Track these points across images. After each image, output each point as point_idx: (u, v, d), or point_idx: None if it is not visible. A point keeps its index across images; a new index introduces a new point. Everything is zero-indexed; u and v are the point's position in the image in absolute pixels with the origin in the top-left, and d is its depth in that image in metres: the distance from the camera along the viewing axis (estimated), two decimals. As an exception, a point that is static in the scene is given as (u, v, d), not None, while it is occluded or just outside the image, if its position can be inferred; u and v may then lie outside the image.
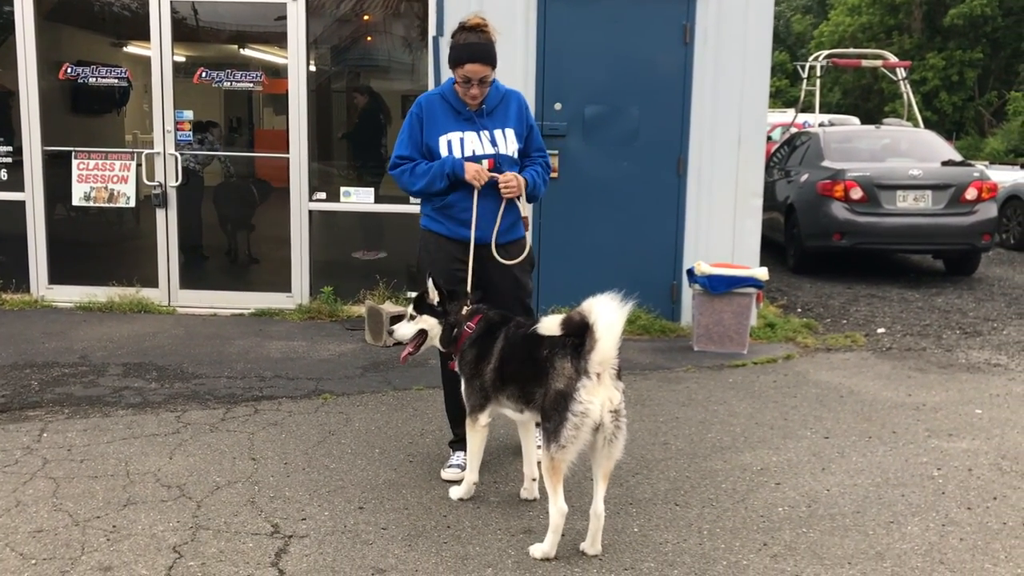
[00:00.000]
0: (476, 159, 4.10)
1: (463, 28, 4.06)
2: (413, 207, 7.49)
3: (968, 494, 4.23)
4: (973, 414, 5.42)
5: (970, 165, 10.56)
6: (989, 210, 9.90)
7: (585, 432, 3.38)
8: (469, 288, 4.05)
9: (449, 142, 4.11)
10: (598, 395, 3.37)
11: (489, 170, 4.09)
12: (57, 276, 7.84)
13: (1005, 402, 5.66)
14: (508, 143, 4.18)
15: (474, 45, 4.01)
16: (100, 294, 7.68)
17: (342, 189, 7.73)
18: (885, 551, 3.65)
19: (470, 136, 4.13)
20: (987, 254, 11.22)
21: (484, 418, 3.89)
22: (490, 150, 4.14)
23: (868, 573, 3.46)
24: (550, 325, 3.48)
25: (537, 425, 3.72)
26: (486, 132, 4.14)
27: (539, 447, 3.88)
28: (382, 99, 8.08)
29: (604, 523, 3.60)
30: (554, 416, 3.41)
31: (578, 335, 3.37)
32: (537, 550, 3.52)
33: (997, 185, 10.51)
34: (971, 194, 9.76)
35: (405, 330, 4.01)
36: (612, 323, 3.30)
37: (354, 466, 4.43)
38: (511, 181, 4.08)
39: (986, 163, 17.05)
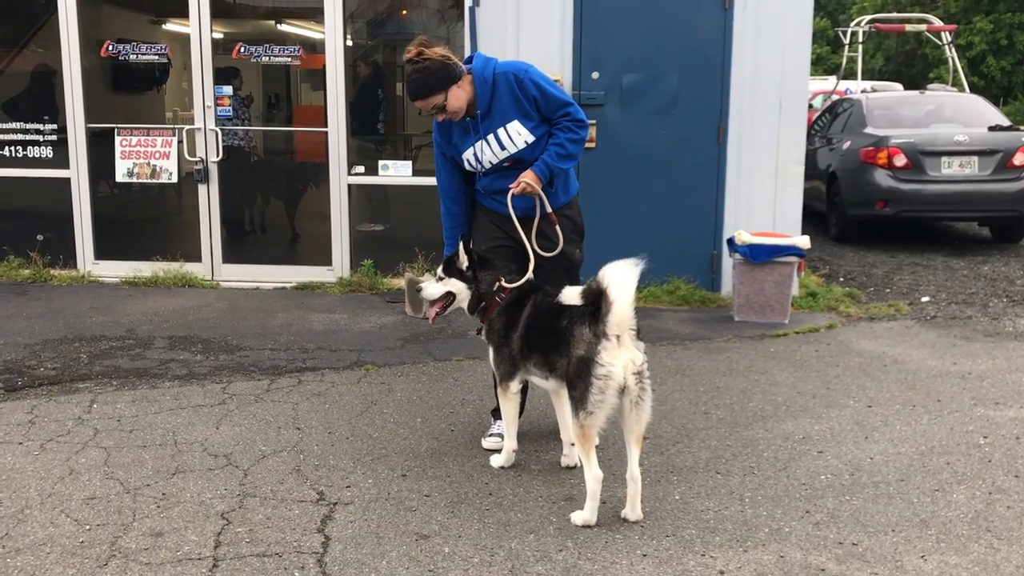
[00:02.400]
0: (496, 167, 4.04)
1: (406, 61, 3.93)
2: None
3: (1016, 462, 4.18)
4: (1021, 382, 5.34)
5: (1018, 130, 10.29)
6: (1038, 176, 9.67)
7: (611, 395, 3.41)
8: (531, 268, 3.95)
9: (468, 160, 4.07)
10: (619, 357, 3.39)
11: (507, 167, 4.02)
12: (103, 252, 7.97)
13: (1054, 370, 5.57)
14: (515, 138, 3.98)
15: (410, 83, 3.89)
16: (145, 269, 7.80)
17: (380, 163, 7.76)
18: (930, 519, 3.62)
19: (480, 146, 4.02)
20: (1035, 221, 10.96)
21: (515, 385, 3.93)
22: (501, 154, 4.01)
23: (913, 540, 3.44)
24: (571, 295, 3.52)
25: None
26: (491, 136, 3.99)
27: None
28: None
29: (645, 491, 3.62)
30: (579, 383, 3.44)
31: (596, 302, 3.40)
32: (578, 517, 3.55)
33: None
34: (1019, 160, 9.54)
35: (432, 289, 4.02)
36: (624, 284, 3.33)
37: (396, 435, 4.48)
38: (525, 188, 3.92)
39: (1035, 128, 16.63)
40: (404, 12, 8.20)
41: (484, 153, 4.03)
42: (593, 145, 7.08)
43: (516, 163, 4.03)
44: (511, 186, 3.95)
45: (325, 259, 7.80)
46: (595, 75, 7.19)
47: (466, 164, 4.11)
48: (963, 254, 9.61)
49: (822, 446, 4.37)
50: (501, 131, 3.99)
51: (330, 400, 4.97)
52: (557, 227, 4.03)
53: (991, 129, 9.92)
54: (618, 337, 3.39)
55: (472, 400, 4.99)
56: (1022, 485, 3.93)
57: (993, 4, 33.06)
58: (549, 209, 4.02)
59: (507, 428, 4.05)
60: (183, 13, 7.61)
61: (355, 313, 6.84)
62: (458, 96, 3.91)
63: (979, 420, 4.72)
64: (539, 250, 4.00)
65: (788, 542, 3.42)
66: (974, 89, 15.91)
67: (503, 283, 3.91)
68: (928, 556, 3.33)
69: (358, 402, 4.94)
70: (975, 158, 9.55)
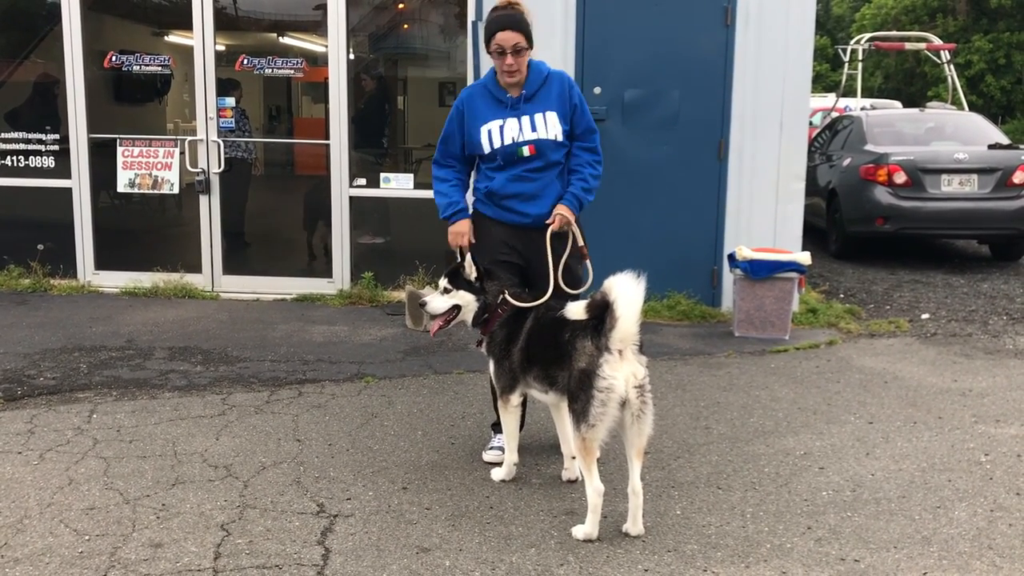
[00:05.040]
0: (516, 146, 4.07)
1: (494, 9, 4.10)
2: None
3: (1017, 480, 4.17)
4: (1022, 400, 5.33)
5: (1017, 148, 10.33)
6: (1038, 194, 9.70)
7: (612, 408, 3.41)
8: (552, 277, 3.98)
9: (489, 131, 4.10)
10: (621, 370, 3.40)
11: (530, 156, 4.07)
12: (103, 262, 7.97)
13: (1054, 388, 5.57)
14: (549, 127, 4.09)
15: (503, 16, 4.05)
16: (145, 279, 7.79)
17: (381, 175, 7.77)
18: (932, 536, 3.61)
19: (510, 123, 4.09)
20: (1035, 239, 10.99)
21: (515, 398, 3.93)
22: (530, 135, 4.09)
23: (915, 557, 3.43)
24: (576, 310, 3.52)
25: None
26: (527, 117, 4.10)
27: None
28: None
29: (647, 506, 3.61)
30: (580, 396, 3.44)
31: (600, 316, 3.41)
32: (579, 531, 3.54)
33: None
34: (1019, 178, 9.55)
35: (438, 303, 3.98)
36: (631, 300, 3.34)
37: (397, 447, 4.47)
38: (562, 222, 4.03)
39: (1033, 147, 16.69)
40: (406, 26, 8.24)
41: (511, 130, 4.08)
42: (594, 160, 7.09)
43: (536, 156, 4.07)
44: (548, 222, 4.04)
45: (325, 271, 7.80)
46: (597, 90, 7.21)
47: (482, 137, 4.09)
48: (963, 271, 9.63)
49: (823, 462, 4.36)
50: (539, 116, 4.10)
51: (330, 412, 4.96)
52: (588, 262, 4.12)
53: (991, 147, 9.95)
54: (620, 351, 3.40)
55: (473, 413, 4.98)
56: (1024, 503, 3.92)
57: (992, 24, 33.27)
58: (581, 243, 4.09)
59: (508, 441, 4.05)
60: (186, 25, 7.64)
61: (355, 325, 6.83)
62: (529, 57, 4.11)
63: (980, 437, 4.71)
64: (563, 284, 4.02)
65: (790, 558, 3.41)
66: (973, 107, 16.00)
67: (507, 296, 3.91)
68: (930, 573, 3.32)
69: (358, 414, 4.93)
70: (975, 176, 9.58)
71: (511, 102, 4.10)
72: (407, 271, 7.66)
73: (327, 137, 7.66)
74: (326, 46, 7.58)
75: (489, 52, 4.10)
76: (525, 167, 4.09)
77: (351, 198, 7.69)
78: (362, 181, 7.73)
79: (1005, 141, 10.48)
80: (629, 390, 3.41)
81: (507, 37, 4.01)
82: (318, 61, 7.81)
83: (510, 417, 3.97)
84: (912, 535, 3.61)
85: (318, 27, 7.71)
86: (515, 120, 4.09)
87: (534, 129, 4.09)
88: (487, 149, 4.11)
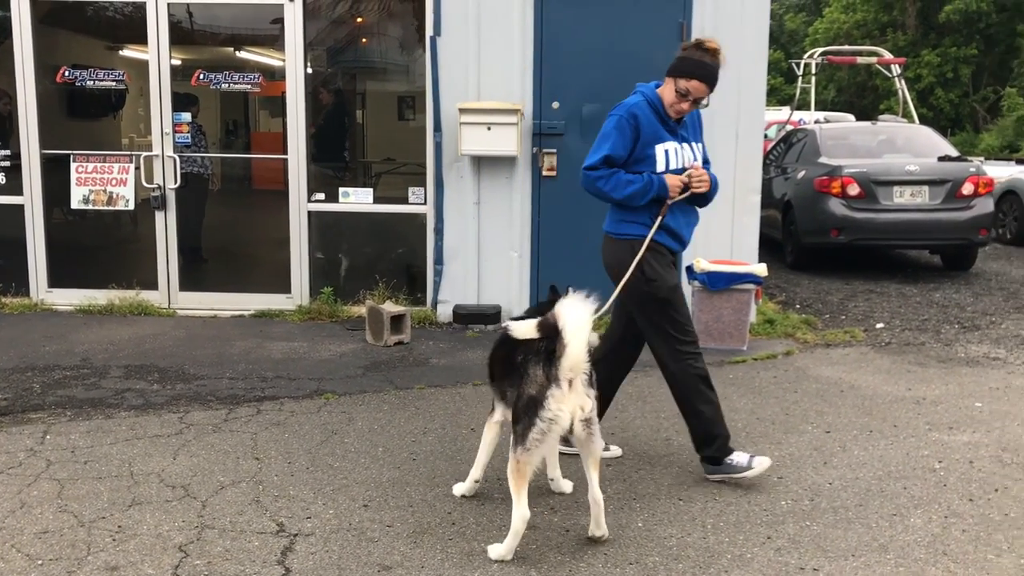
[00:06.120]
0: (684, 170, 4.18)
1: (700, 47, 4.11)
2: (412, 207, 7.49)
3: (970, 486, 4.25)
4: (973, 407, 5.44)
5: (966, 160, 10.57)
6: (986, 205, 9.92)
7: (551, 439, 3.43)
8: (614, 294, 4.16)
9: (667, 151, 4.14)
10: (568, 403, 3.37)
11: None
12: (57, 279, 7.84)
13: (1004, 395, 5.69)
14: (698, 157, 4.27)
15: (708, 66, 4.08)
16: (100, 297, 7.68)
17: (340, 190, 7.74)
18: (888, 543, 3.66)
19: (681, 146, 4.19)
20: (984, 249, 11.25)
21: (496, 415, 3.94)
22: (695, 162, 4.23)
23: (872, 565, 3.48)
24: (524, 329, 3.45)
25: None
26: (686, 144, 4.22)
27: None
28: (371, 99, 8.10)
29: (608, 519, 3.63)
30: (523, 419, 3.42)
31: (552, 338, 3.34)
32: (495, 551, 3.47)
33: (993, 180, 10.54)
34: (967, 189, 9.79)
35: None
36: (579, 327, 3.26)
37: (358, 465, 4.44)
38: (704, 174, 4.17)
39: (981, 158, 17.08)
40: (364, 40, 8.22)
41: (685, 153, 4.19)
42: (554, 174, 7.12)
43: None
44: (693, 164, 4.18)
45: (284, 286, 7.73)
46: (555, 105, 7.25)
47: (659, 155, 4.12)
48: (916, 281, 9.81)
49: (782, 472, 4.41)
50: (695, 145, 4.25)
51: (289, 430, 4.91)
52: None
53: (941, 159, 10.17)
54: (570, 382, 3.37)
55: (434, 429, 4.96)
56: (976, 509, 3.99)
57: (939, 38, 34.04)
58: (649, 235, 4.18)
59: (477, 457, 4.03)
60: (141, 39, 7.56)
61: (314, 341, 6.78)
62: None
63: (934, 445, 4.80)
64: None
65: (750, 568, 3.44)
66: (923, 120, 16.32)
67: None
68: (887, 580, 3.37)
69: (318, 431, 4.89)
70: (926, 187, 9.78)
71: (674, 126, 4.19)
72: (367, 286, 7.63)
73: (285, 151, 7.61)
74: (283, 60, 7.55)
75: (675, 79, 4.08)
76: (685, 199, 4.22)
77: (310, 213, 7.64)
78: (321, 196, 7.69)
79: (954, 153, 10.71)
80: (575, 423, 3.40)
81: (700, 89, 4.07)
82: (275, 75, 7.77)
83: (485, 432, 3.97)
84: (869, 543, 3.66)
85: (275, 41, 7.67)
86: (680, 145, 4.19)
87: (695, 157, 4.23)
88: (661, 168, 4.14)
